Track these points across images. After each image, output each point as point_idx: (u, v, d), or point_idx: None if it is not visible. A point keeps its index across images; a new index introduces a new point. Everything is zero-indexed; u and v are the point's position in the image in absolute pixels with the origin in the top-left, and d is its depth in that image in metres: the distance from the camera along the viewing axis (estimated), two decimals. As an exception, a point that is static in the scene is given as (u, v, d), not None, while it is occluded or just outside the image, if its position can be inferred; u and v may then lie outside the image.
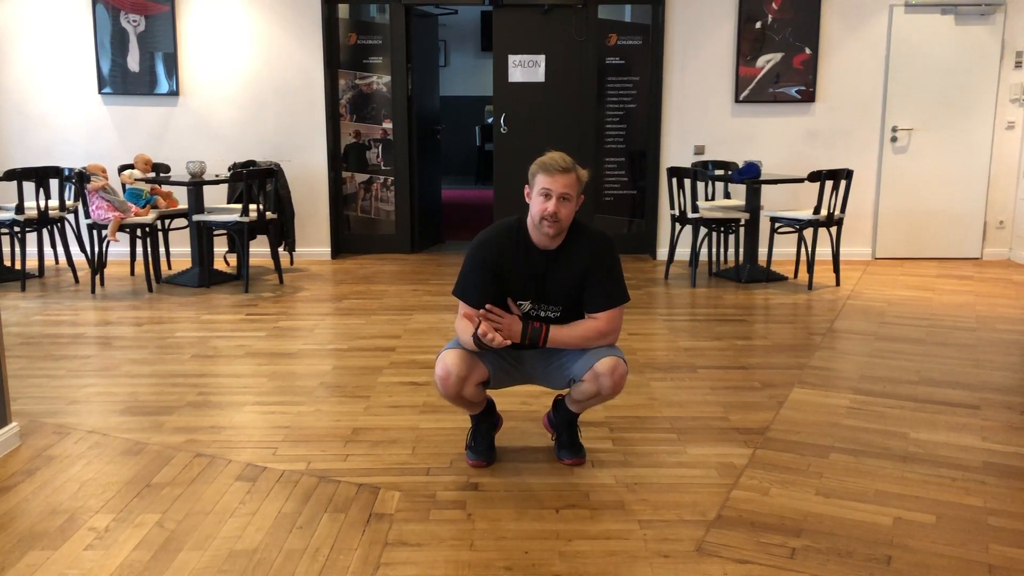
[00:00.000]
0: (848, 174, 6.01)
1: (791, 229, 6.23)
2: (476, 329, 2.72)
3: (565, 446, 3.10)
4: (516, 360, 3.01)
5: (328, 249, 7.35)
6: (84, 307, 5.52)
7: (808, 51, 7.06)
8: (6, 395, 3.20)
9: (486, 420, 3.10)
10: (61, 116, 7.10)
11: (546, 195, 2.77)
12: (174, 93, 7.05)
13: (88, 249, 6.49)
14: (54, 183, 6.84)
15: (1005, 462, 3.10)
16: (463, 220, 9.71)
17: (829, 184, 6.04)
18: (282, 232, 6.80)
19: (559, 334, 2.87)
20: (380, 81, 7.33)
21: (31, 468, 3.03)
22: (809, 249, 6.15)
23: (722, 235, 6.91)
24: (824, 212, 6.02)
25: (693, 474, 2.99)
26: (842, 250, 7.04)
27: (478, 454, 3.05)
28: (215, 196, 7.00)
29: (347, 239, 7.57)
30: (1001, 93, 7.15)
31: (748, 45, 7.07)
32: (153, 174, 6.32)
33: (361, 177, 7.50)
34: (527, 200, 2.87)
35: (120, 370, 4.18)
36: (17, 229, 6.11)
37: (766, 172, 6.72)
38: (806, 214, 6.06)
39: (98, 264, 6.04)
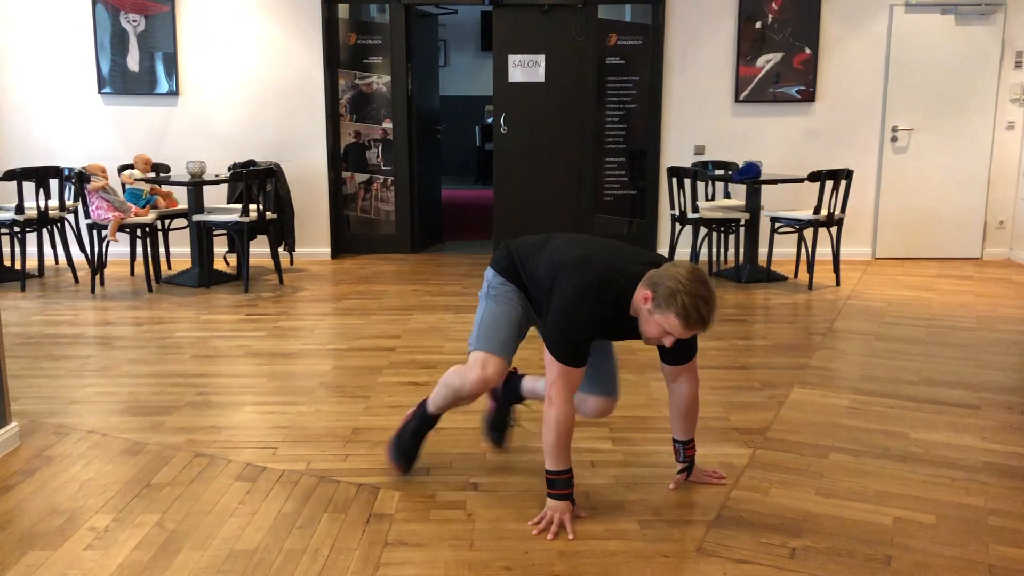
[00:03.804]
0: (848, 174, 6.01)
1: (791, 229, 6.23)
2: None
3: (497, 426, 3.12)
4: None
5: (328, 249, 7.35)
6: (84, 307, 5.52)
7: (808, 51, 7.06)
8: (6, 395, 3.20)
9: (431, 425, 2.98)
10: (61, 116, 7.10)
11: (666, 334, 2.43)
12: (174, 93, 7.05)
13: (88, 249, 6.49)
14: (54, 183, 6.84)
15: (1005, 462, 3.10)
16: (463, 220, 9.71)
17: (829, 184, 6.04)
18: (282, 232, 6.80)
19: (691, 428, 2.85)
20: (380, 81, 7.33)
21: (31, 468, 3.03)
22: (809, 249, 6.15)
23: (722, 235, 6.91)
24: (824, 212, 6.02)
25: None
26: (842, 250, 7.04)
27: (406, 458, 2.94)
28: (215, 196, 7.00)
29: (347, 239, 7.58)
30: (1001, 93, 7.15)
31: (748, 45, 7.07)
32: (153, 174, 6.32)
33: (361, 177, 7.50)
34: (643, 301, 2.43)
35: (120, 370, 4.18)
36: (17, 229, 6.11)
37: (766, 172, 6.72)
38: (806, 214, 6.06)
39: (98, 264, 6.04)
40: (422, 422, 2.96)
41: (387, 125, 7.38)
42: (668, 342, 2.46)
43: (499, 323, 2.70)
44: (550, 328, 2.56)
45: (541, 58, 7.31)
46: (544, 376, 2.77)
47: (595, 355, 2.76)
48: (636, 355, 4.41)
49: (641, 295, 2.45)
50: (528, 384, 3.08)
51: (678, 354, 2.70)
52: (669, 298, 2.36)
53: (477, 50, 13.17)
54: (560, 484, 2.58)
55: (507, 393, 3.12)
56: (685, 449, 2.87)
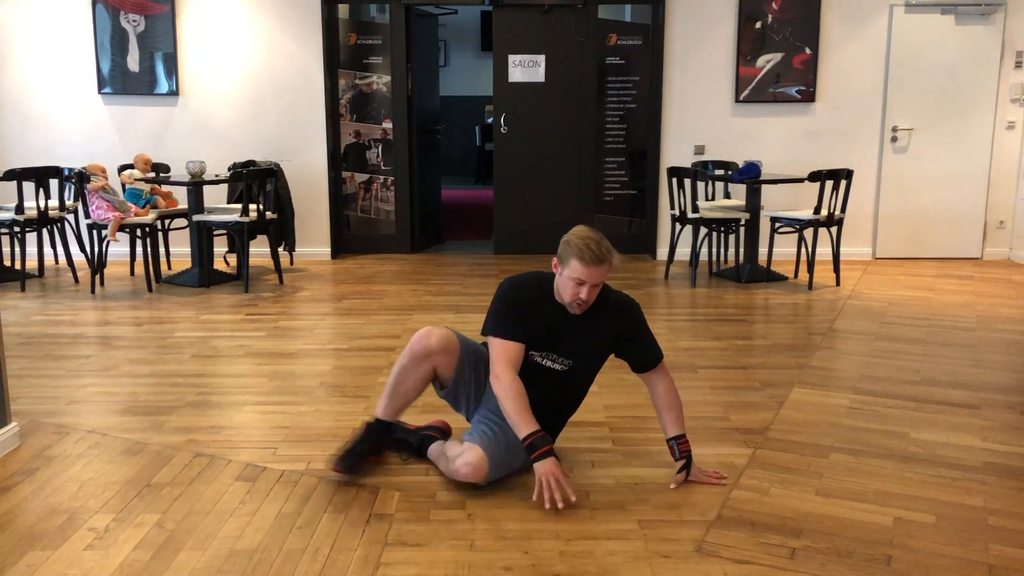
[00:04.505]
0: (848, 174, 6.01)
1: (791, 229, 6.23)
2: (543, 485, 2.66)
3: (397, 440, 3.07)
4: (480, 389, 2.99)
5: (328, 249, 7.35)
6: (84, 307, 5.52)
7: (808, 51, 7.06)
8: (6, 395, 3.20)
9: (378, 434, 2.99)
10: (61, 116, 7.10)
11: (579, 283, 2.74)
12: (174, 93, 7.05)
13: (88, 249, 6.50)
14: (54, 183, 6.84)
15: (1005, 462, 3.10)
16: (463, 220, 9.71)
17: (829, 184, 6.04)
18: (282, 232, 6.80)
19: (677, 420, 2.95)
20: (380, 81, 7.33)
21: (31, 468, 3.03)
22: (809, 249, 6.15)
23: (722, 235, 6.91)
24: (824, 212, 6.02)
25: (693, 474, 2.99)
26: (842, 250, 7.05)
27: (346, 464, 2.91)
28: (215, 196, 7.00)
29: (347, 239, 7.58)
30: (1001, 93, 7.15)
31: (748, 45, 7.07)
32: (153, 174, 6.32)
33: (361, 177, 7.50)
34: (554, 270, 2.83)
35: (120, 370, 4.18)
36: (17, 229, 6.11)
37: (766, 172, 6.72)
38: (806, 214, 6.06)
39: (98, 264, 6.04)
40: (368, 432, 2.98)
41: (387, 125, 7.38)
42: (584, 293, 2.74)
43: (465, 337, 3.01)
44: (485, 322, 2.87)
45: (541, 58, 7.31)
46: (456, 445, 2.93)
47: (489, 419, 2.91)
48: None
49: (553, 268, 2.85)
50: (436, 449, 3.01)
51: (643, 360, 2.94)
52: (565, 249, 2.76)
53: (477, 50, 13.17)
54: (538, 443, 2.67)
55: (420, 439, 3.08)
56: (679, 445, 2.90)
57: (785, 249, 7.00)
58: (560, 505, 2.60)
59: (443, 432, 3.15)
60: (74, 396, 3.80)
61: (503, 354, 2.78)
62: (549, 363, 2.89)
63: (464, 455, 2.80)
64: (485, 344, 2.96)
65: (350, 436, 3.03)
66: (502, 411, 2.75)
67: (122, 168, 6.58)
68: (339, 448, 3.00)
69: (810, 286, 6.16)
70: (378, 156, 7.45)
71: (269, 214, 6.26)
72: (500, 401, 2.73)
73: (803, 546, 2.49)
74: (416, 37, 7.43)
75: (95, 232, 6.01)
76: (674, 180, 6.41)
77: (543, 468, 2.65)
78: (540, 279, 2.90)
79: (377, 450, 3.03)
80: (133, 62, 7.01)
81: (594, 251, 2.69)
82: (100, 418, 3.53)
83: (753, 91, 7.12)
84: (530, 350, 2.86)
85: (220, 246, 6.92)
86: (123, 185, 6.32)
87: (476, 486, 2.86)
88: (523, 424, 2.68)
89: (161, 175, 6.34)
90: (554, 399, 2.95)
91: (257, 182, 6.14)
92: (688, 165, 6.95)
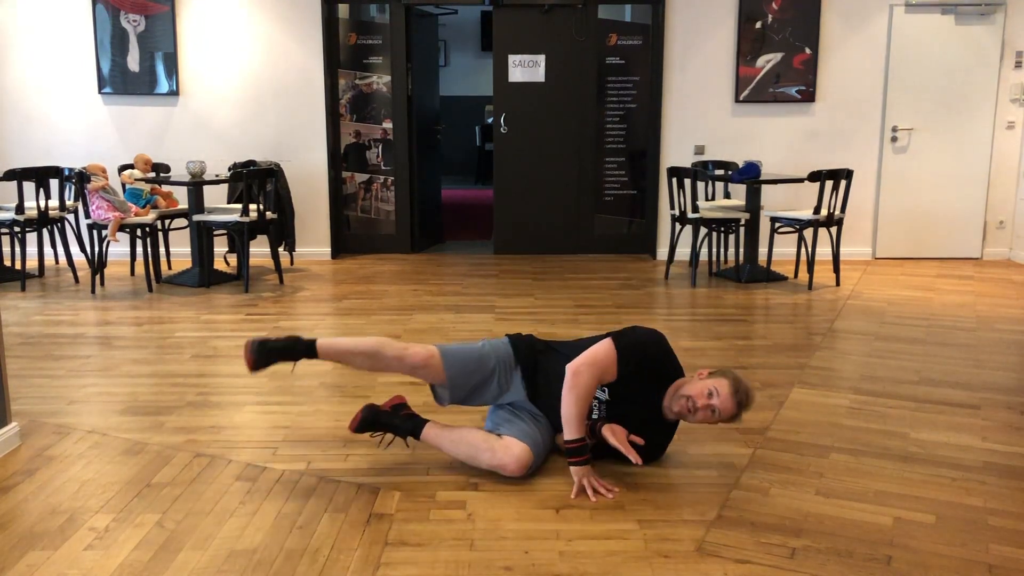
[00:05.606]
0: (848, 174, 6.01)
1: (791, 229, 6.23)
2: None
3: (378, 420, 3.04)
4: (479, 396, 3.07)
5: (328, 249, 7.35)
6: (84, 307, 5.52)
7: (808, 51, 7.06)
8: (6, 395, 3.20)
9: (301, 350, 2.96)
10: (61, 116, 7.10)
11: (710, 396, 2.79)
12: (174, 93, 7.05)
13: (88, 249, 6.50)
14: (54, 183, 6.84)
15: (1005, 462, 3.10)
16: (463, 220, 9.71)
17: (829, 184, 6.05)
18: (282, 232, 6.80)
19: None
20: (380, 81, 7.33)
21: (31, 468, 3.03)
22: (809, 249, 6.15)
23: (722, 235, 6.92)
24: (824, 212, 6.02)
25: (693, 474, 2.99)
26: (842, 250, 7.05)
27: (258, 355, 2.92)
28: (215, 196, 7.00)
29: (347, 239, 7.58)
30: (1001, 93, 7.15)
31: (748, 45, 7.07)
32: (153, 174, 6.32)
33: (361, 177, 7.51)
34: (698, 376, 2.88)
35: (120, 370, 4.18)
36: (17, 229, 6.11)
37: (766, 172, 6.72)
38: (806, 214, 6.06)
39: (98, 264, 6.04)
40: (295, 342, 2.96)
41: (387, 125, 7.38)
42: (702, 403, 2.78)
43: (470, 353, 3.03)
44: (620, 332, 2.92)
45: (541, 58, 7.32)
46: (455, 429, 2.98)
47: (523, 416, 3.02)
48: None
49: (698, 375, 2.89)
50: (433, 431, 3.00)
51: (646, 450, 2.92)
52: (727, 371, 2.86)
53: (477, 50, 13.17)
54: (582, 450, 2.81)
55: (409, 423, 3.04)
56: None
57: (785, 249, 7.00)
58: (595, 499, 2.77)
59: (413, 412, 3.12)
60: (74, 396, 3.80)
61: (602, 365, 2.82)
62: (594, 400, 2.95)
63: (510, 450, 2.87)
64: (561, 350, 3.02)
65: (279, 337, 2.98)
66: (564, 400, 2.78)
67: (122, 168, 6.59)
68: (263, 337, 2.96)
69: (810, 286, 6.16)
70: (378, 156, 7.45)
71: (269, 214, 6.25)
72: (570, 393, 2.77)
73: (803, 546, 2.49)
74: (416, 37, 7.44)
75: (95, 232, 6.01)
76: (674, 180, 6.41)
77: (581, 472, 2.81)
78: (679, 371, 2.95)
79: (288, 359, 2.98)
80: (133, 62, 7.01)
81: (746, 392, 2.81)
82: (100, 418, 3.53)
83: (753, 91, 7.12)
84: (606, 385, 2.91)
85: (220, 246, 6.92)
86: (123, 185, 6.32)
87: (476, 486, 2.86)
88: (576, 427, 2.79)
89: (161, 175, 6.34)
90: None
91: (257, 182, 6.14)
92: (688, 165, 6.95)
